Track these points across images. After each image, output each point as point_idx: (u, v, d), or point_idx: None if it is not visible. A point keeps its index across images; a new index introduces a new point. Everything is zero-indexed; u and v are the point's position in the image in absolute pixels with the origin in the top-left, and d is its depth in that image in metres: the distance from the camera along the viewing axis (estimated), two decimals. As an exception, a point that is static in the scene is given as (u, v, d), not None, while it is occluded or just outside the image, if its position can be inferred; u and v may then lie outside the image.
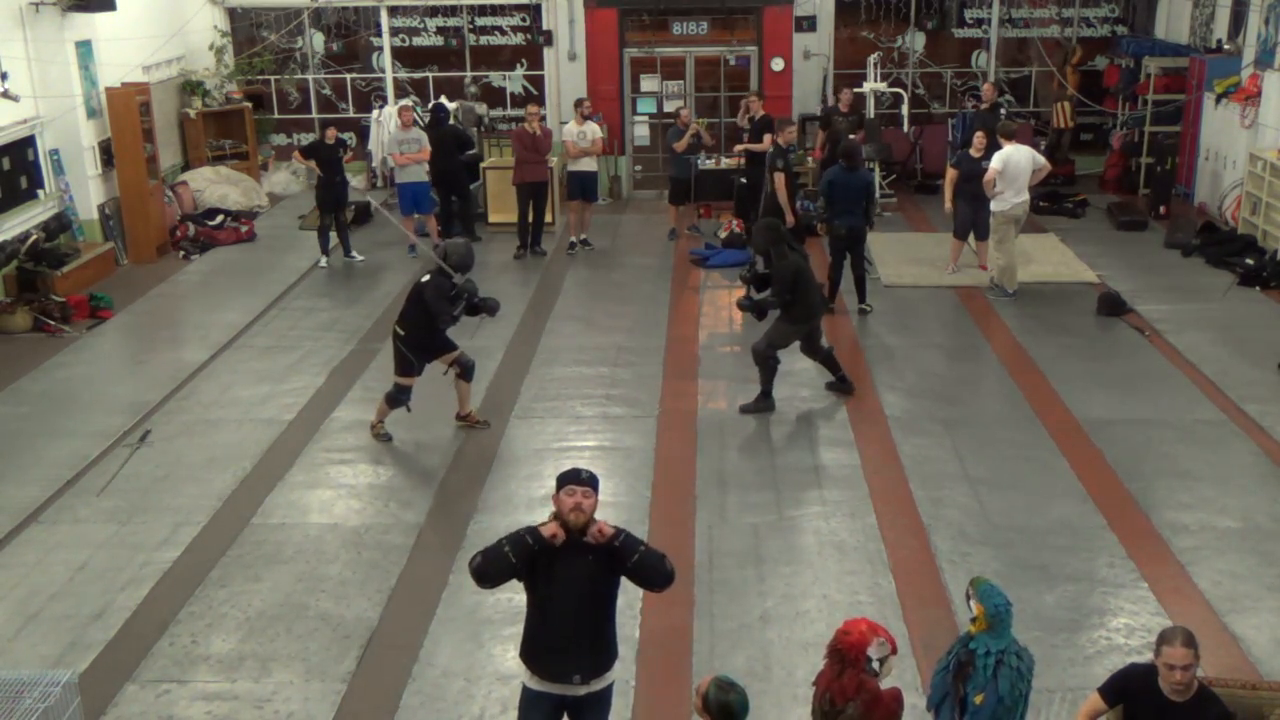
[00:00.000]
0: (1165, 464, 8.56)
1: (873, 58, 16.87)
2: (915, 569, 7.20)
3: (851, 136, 14.43)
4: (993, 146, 12.55)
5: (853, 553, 7.40)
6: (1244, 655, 6.28)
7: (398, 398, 9.05)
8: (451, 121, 16.68)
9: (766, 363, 9.60)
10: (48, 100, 13.35)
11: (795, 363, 9.91)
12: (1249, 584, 6.98)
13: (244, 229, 15.65)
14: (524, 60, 18.35)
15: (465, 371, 9.22)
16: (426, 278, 8.85)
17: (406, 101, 16.78)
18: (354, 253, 14.49)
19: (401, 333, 8.92)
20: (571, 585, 4.69)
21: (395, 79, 18.39)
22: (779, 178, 12.97)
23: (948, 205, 13.16)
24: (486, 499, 8.27)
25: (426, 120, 15.58)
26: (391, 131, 15.26)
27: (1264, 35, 14.28)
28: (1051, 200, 15.87)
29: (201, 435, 9.39)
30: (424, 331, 8.89)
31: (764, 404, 9.66)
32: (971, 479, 8.36)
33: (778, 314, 9.64)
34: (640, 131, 17.83)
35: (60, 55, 13.34)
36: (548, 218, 15.11)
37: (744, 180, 15.02)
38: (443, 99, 17.17)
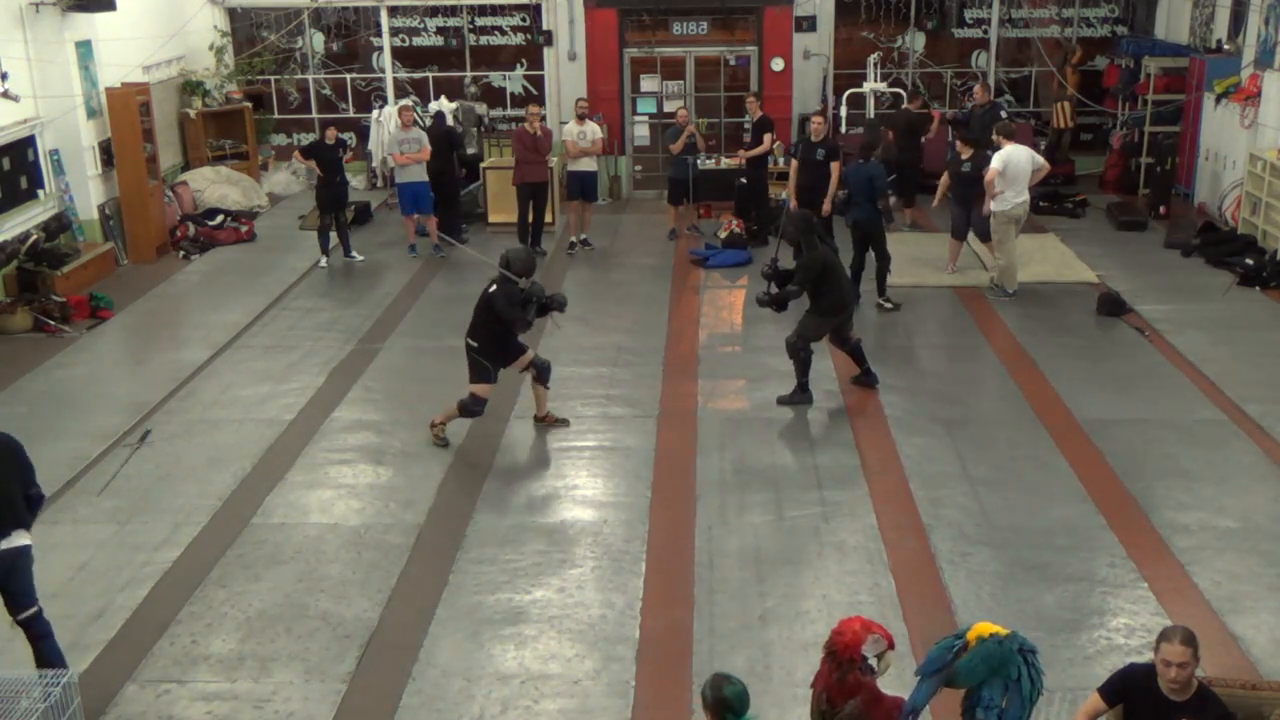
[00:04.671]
0: (1165, 464, 8.55)
1: (873, 58, 16.89)
2: (915, 569, 7.20)
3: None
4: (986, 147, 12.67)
5: (853, 553, 7.40)
6: (1244, 655, 6.28)
7: (472, 408, 8.99)
8: (450, 122, 16.71)
9: (799, 355, 9.63)
10: (48, 100, 13.35)
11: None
12: (1249, 584, 6.98)
13: (244, 229, 15.65)
14: (524, 60, 18.35)
15: (541, 374, 9.22)
16: (493, 288, 8.81)
17: (406, 101, 16.77)
18: (354, 253, 14.49)
19: (475, 344, 8.89)
20: None
21: (395, 79, 18.39)
22: (793, 164, 13.47)
23: (934, 203, 13.60)
24: (486, 499, 8.27)
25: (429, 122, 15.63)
26: (391, 131, 15.27)
27: (1264, 35, 14.28)
28: (1051, 200, 15.86)
29: (201, 435, 9.39)
30: (497, 340, 8.90)
31: (801, 396, 9.69)
32: (971, 479, 8.36)
33: (807, 306, 9.67)
34: (640, 131, 17.83)
35: (60, 55, 13.34)
36: (548, 218, 15.11)
37: (744, 180, 15.07)
38: (442, 98, 17.20)
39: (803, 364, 9.68)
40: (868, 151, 12.18)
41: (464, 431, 9.29)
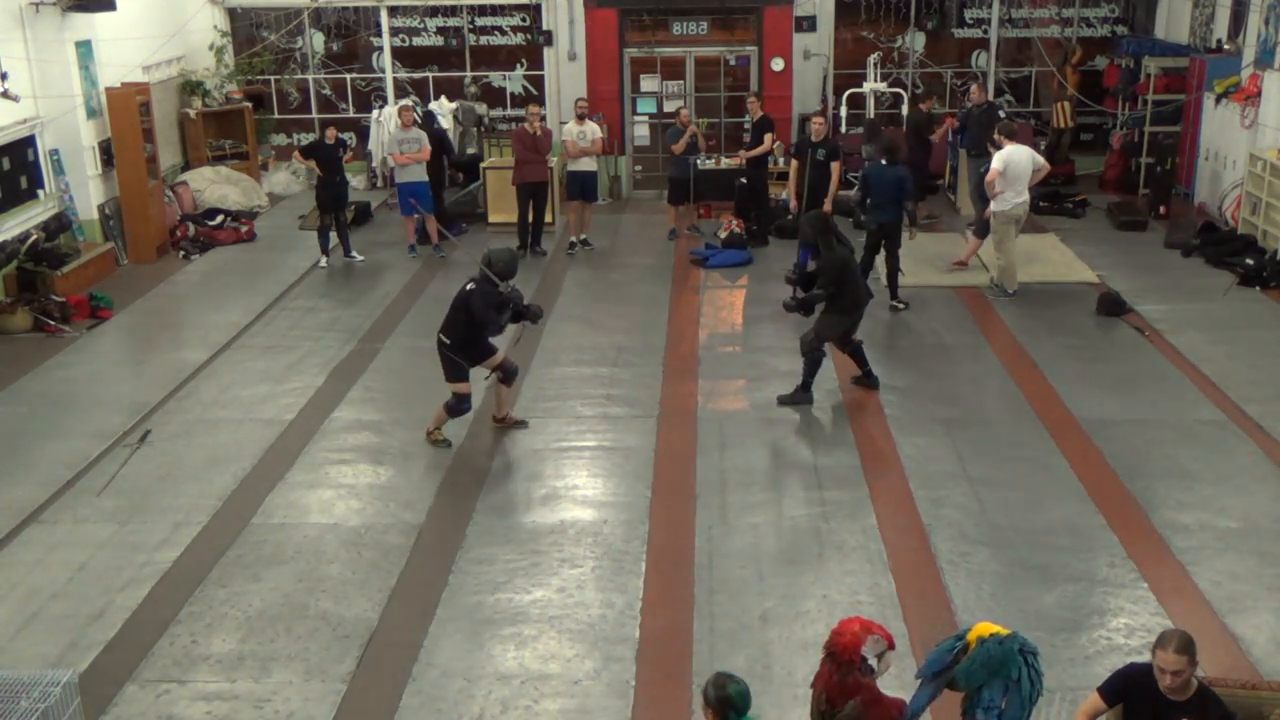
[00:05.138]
0: (1165, 464, 8.55)
1: (873, 58, 16.89)
2: (915, 569, 7.20)
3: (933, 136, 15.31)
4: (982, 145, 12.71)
5: (853, 553, 7.40)
6: (1244, 655, 6.28)
7: (458, 406, 8.98)
8: (449, 123, 16.75)
9: (812, 354, 9.65)
10: (48, 100, 13.35)
11: (796, 363, 9.89)
12: (1249, 584, 6.98)
13: (244, 229, 15.65)
14: (524, 60, 18.35)
15: (507, 376, 9.19)
16: (471, 286, 8.77)
17: (406, 101, 16.78)
18: (354, 253, 14.50)
19: (447, 341, 8.86)
20: None
21: (395, 79, 18.39)
22: (793, 164, 13.60)
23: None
24: (486, 499, 8.27)
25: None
26: (391, 131, 15.29)
27: (1264, 35, 14.28)
28: (1051, 200, 15.86)
29: (201, 435, 9.39)
30: (469, 338, 8.87)
31: (803, 397, 9.71)
32: (971, 479, 8.36)
33: (822, 307, 9.70)
34: (640, 131, 17.83)
35: (60, 55, 13.34)
36: (548, 218, 15.11)
37: (744, 180, 15.08)
38: (442, 98, 17.22)
39: (813, 364, 9.69)
40: (893, 154, 12.23)
41: (464, 432, 9.28)
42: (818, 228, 9.65)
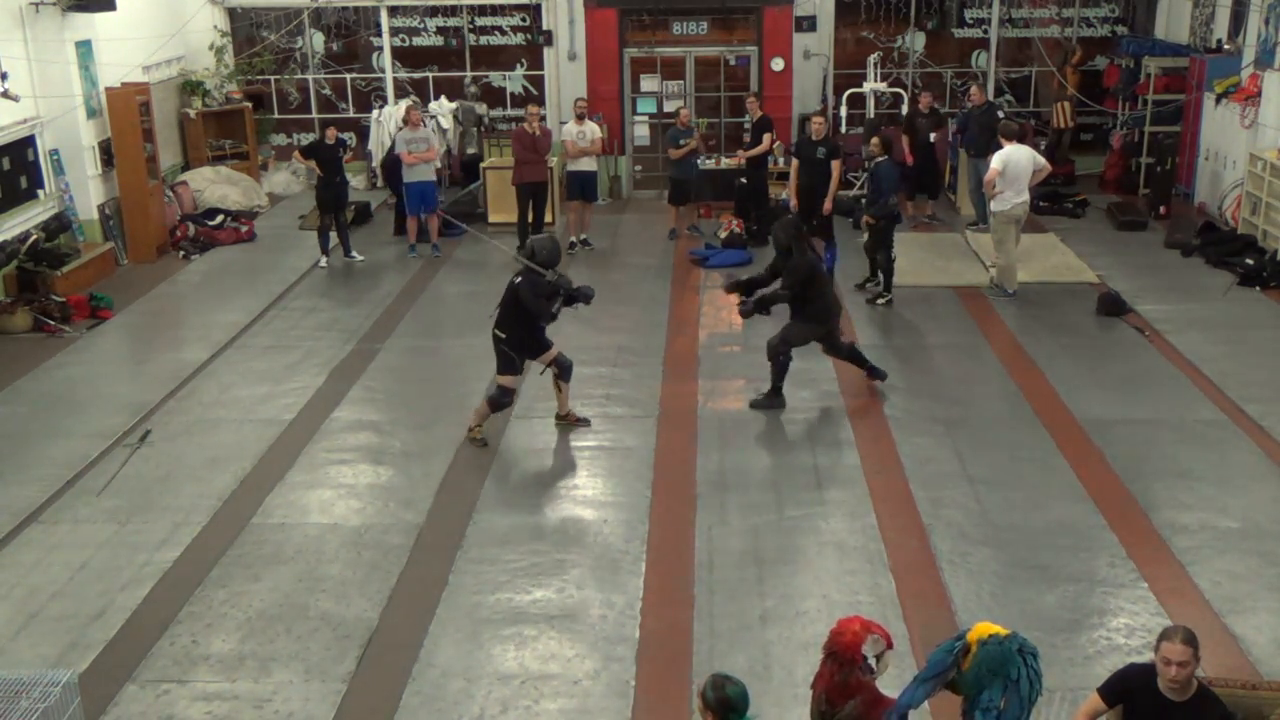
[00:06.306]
0: (1165, 464, 8.55)
1: (873, 58, 16.88)
2: (915, 569, 7.20)
3: (933, 135, 15.31)
4: (991, 146, 12.67)
5: (853, 553, 7.40)
6: (1244, 655, 6.28)
7: (500, 400, 9.01)
8: (449, 122, 16.76)
9: (778, 359, 9.63)
10: (48, 100, 13.35)
11: (796, 364, 9.88)
12: (1249, 584, 6.98)
13: (244, 229, 15.65)
14: (524, 60, 18.35)
15: (563, 371, 9.22)
16: (519, 279, 8.81)
17: (408, 102, 16.78)
18: (354, 253, 14.50)
19: (503, 335, 8.90)
20: None
21: (395, 79, 18.39)
22: (794, 164, 13.66)
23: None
24: (486, 499, 8.27)
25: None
26: (393, 132, 15.33)
27: (1264, 35, 14.28)
28: (1051, 200, 15.86)
29: (201, 435, 9.39)
30: (524, 331, 8.91)
31: (774, 400, 9.69)
32: (971, 479, 8.36)
33: (790, 312, 9.68)
34: (640, 131, 17.83)
35: (60, 55, 13.34)
36: (548, 218, 15.11)
37: (744, 180, 15.08)
38: (442, 98, 17.24)
39: (780, 368, 9.67)
40: (889, 152, 12.46)
41: (464, 432, 9.28)
42: (791, 232, 9.65)
